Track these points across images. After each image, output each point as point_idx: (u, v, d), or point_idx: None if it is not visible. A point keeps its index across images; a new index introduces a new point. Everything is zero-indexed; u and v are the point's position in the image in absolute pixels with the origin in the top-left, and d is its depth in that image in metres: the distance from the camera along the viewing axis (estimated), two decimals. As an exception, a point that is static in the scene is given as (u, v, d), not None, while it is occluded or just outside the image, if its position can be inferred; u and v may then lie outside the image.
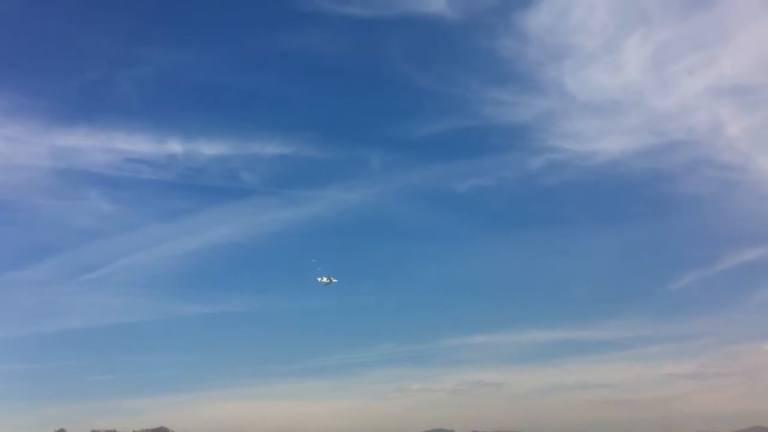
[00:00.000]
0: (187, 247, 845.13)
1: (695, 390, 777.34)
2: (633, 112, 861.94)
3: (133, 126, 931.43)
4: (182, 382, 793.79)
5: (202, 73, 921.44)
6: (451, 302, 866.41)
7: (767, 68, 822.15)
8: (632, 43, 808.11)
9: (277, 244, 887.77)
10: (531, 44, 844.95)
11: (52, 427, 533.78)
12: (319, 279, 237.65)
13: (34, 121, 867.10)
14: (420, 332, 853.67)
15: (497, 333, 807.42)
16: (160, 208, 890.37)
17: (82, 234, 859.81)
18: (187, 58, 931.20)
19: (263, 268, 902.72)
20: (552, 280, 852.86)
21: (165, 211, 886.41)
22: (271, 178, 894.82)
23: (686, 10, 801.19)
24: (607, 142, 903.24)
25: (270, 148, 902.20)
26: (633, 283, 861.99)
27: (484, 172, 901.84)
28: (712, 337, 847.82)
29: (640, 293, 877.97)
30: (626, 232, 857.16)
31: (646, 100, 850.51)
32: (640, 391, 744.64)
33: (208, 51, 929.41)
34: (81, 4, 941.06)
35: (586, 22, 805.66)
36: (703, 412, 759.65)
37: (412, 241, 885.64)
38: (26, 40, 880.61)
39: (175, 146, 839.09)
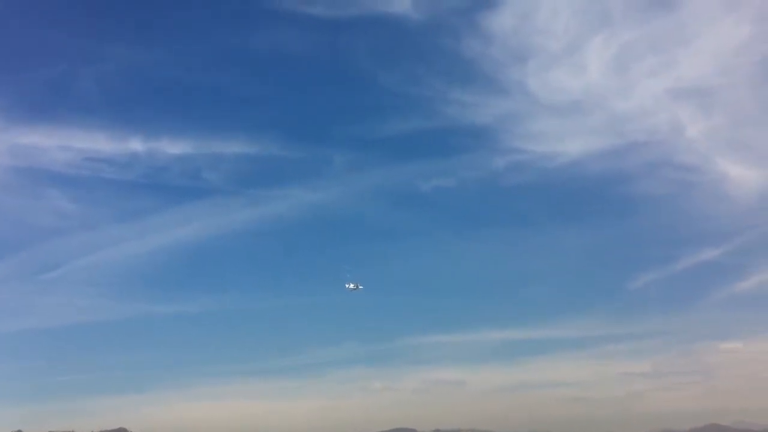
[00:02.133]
0: (149, 246, 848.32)
1: (652, 388, 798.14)
2: (595, 113, 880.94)
3: (94, 124, 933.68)
4: (143, 382, 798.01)
5: (165, 71, 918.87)
6: (413, 301, 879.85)
7: (726, 71, 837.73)
8: (595, 45, 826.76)
9: (240, 244, 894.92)
10: (495, 45, 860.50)
11: (9, 428, 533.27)
12: (347, 285, 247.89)
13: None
14: (382, 331, 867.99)
15: (459, 332, 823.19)
16: (121, 208, 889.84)
17: (41, 233, 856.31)
18: (149, 56, 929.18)
19: (226, 268, 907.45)
20: (514, 280, 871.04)
21: (126, 210, 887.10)
22: (234, 177, 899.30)
23: (648, 13, 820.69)
24: (569, 143, 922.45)
25: (233, 147, 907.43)
26: (593, 283, 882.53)
27: (447, 173, 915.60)
28: (669, 336, 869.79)
29: (600, 292, 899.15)
30: (587, 232, 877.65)
31: (607, 101, 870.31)
32: (597, 389, 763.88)
33: (171, 49, 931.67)
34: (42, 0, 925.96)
35: (550, 24, 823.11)
36: (660, 410, 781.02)
37: (376, 241, 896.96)
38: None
39: (136, 145, 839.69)
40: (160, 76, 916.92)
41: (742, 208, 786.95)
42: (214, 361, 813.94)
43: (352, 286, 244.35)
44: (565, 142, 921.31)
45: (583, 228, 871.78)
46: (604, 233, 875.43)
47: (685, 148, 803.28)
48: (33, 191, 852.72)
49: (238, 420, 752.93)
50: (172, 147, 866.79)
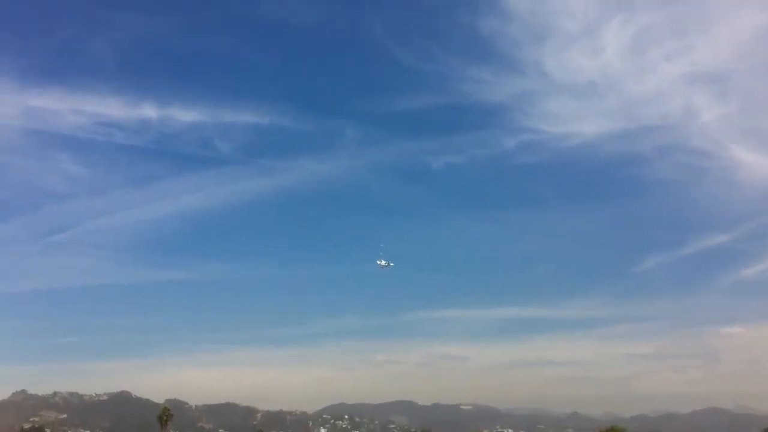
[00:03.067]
0: (158, 213, 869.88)
1: (654, 370, 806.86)
2: (609, 95, 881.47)
3: (107, 89, 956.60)
4: (147, 347, 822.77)
5: (179, 39, 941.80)
6: (419, 277, 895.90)
7: (743, 58, 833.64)
8: (613, 27, 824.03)
9: (248, 214, 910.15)
10: (513, 24, 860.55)
11: (13, 387, 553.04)
12: (378, 262, 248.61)
13: (8, 80, 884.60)
14: (387, 305, 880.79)
15: (464, 308, 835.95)
16: (132, 173, 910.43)
17: (51, 195, 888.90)
18: (163, 24, 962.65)
19: (233, 237, 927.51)
20: (521, 259, 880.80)
21: (136, 176, 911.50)
22: (245, 147, 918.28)
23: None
24: (582, 124, 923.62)
25: (245, 116, 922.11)
26: (599, 265, 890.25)
27: (458, 150, 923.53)
28: (673, 319, 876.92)
29: (606, 274, 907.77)
30: (596, 214, 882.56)
31: (622, 84, 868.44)
32: (600, 369, 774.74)
33: (185, 17, 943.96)
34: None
35: (569, 4, 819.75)
36: (661, 391, 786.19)
37: (384, 215, 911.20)
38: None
39: (149, 111, 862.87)
40: (174, 44, 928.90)
41: (753, 195, 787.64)
42: (217, 328, 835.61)
43: (383, 263, 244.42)
44: (579, 124, 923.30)
45: (592, 210, 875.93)
46: (613, 215, 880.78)
47: (698, 134, 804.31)
48: (44, 154, 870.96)
49: (239, 387, 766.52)
50: (185, 114, 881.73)
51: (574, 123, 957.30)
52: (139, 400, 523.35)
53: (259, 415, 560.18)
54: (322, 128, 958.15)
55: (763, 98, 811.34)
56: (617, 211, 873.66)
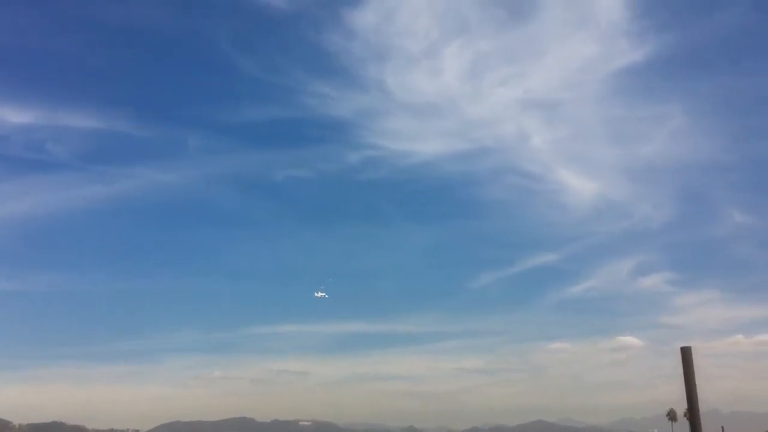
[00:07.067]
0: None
1: (484, 384, 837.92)
2: (448, 116, 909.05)
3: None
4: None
5: (11, 35, 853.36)
6: (259, 291, 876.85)
7: (572, 86, 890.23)
8: (452, 50, 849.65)
9: (81, 222, 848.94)
10: (356, 41, 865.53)
11: None
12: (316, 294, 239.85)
13: None
14: (225, 320, 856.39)
15: (303, 323, 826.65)
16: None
17: None
18: None
19: (64, 247, 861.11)
20: (362, 274, 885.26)
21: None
22: (80, 152, 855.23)
23: (503, 24, 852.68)
24: (422, 143, 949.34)
25: (82, 120, 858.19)
26: (435, 281, 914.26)
27: (302, 164, 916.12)
28: (503, 335, 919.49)
29: (441, 290, 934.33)
30: (435, 232, 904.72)
31: (461, 106, 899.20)
32: (432, 383, 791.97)
33: (19, 13, 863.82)
34: None
35: (411, 25, 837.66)
36: (491, 405, 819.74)
37: (225, 228, 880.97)
38: None
39: None
40: (4, 40, 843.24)
41: (578, 217, 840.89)
42: (45, 343, 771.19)
43: (321, 294, 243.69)
44: (419, 143, 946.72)
45: (431, 227, 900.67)
46: (449, 233, 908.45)
47: (529, 157, 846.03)
48: None
49: (67, 405, 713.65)
50: (15, 116, 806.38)
51: (415, 141, 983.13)
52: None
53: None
54: (163, 136, 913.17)
55: (590, 125, 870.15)
56: (454, 228, 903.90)
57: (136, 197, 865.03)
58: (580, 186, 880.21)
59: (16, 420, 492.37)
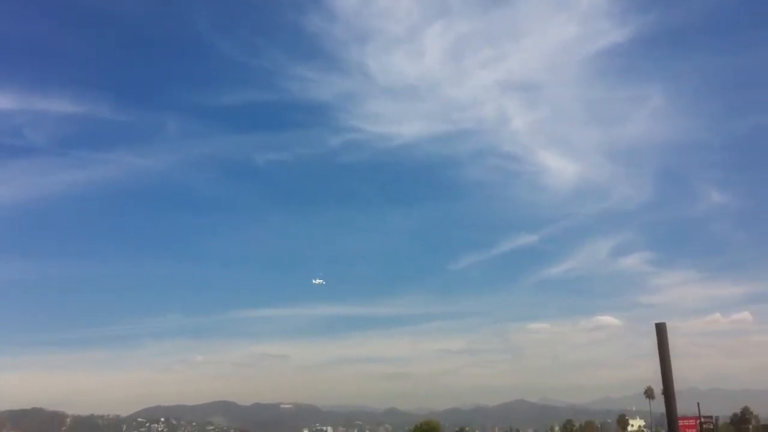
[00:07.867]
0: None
1: (466, 364, 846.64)
2: (429, 99, 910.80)
3: None
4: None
5: None
6: (240, 275, 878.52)
7: (552, 68, 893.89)
8: (433, 32, 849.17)
9: (60, 208, 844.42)
10: (338, 23, 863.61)
11: None
12: (314, 281, 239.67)
13: None
14: (207, 304, 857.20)
15: (285, 307, 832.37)
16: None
17: None
18: None
19: (43, 233, 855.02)
20: (343, 257, 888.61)
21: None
22: (58, 137, 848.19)
23: (484, 6, 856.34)
24: (403, 125, 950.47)
25: (59, 105, 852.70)
26: (417, 263, 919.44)
27: (283, 147, 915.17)
28: (484, 316, 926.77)
29: (423, 272, 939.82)
30: (416, 214, 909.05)
31: (442, 88, 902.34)
32: (415, 365, 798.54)
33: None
34: None
35: (392, 7, 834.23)
36: (472, 385, 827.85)
37: (205, 212, 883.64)
38: None
39: None
40: None
41: (557, 199, 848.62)
42: (24, 329, 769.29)
43: (319, 281, 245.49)
44: (400, 125, 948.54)
45: (412, 209, 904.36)
46: (430, 215, 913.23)
47: (510, 139, 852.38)
48: None
49: (47, 392, 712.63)
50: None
51: (396, 124, 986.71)
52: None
53: (68, 419, 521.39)
54: (142, 120, 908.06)
55: (570, 107, 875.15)
56: (435, 210, 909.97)
57: (115, 182, 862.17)
58: (560, 167, 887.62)
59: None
